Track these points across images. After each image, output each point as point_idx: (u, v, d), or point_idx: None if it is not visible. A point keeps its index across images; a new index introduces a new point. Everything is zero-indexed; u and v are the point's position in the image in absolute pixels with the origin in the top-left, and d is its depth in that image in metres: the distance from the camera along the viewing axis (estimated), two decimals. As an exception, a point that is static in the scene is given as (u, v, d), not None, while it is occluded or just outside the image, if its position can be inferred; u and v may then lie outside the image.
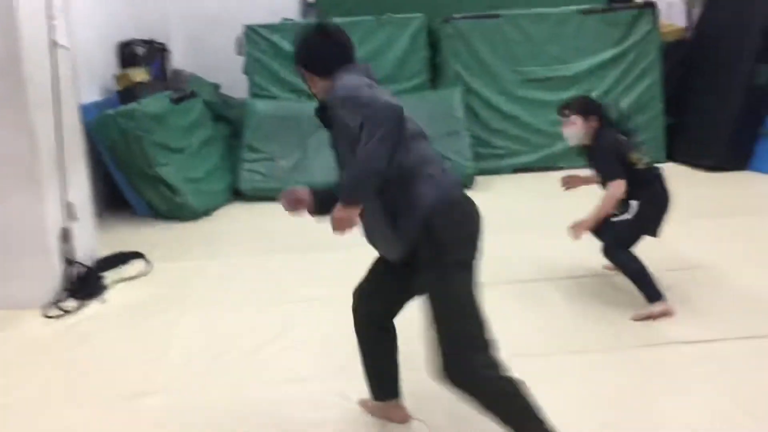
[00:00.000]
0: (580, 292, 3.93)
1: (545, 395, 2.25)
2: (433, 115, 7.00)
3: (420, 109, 7.07)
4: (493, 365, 2.15)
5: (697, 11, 8.03)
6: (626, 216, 3.63)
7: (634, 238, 3.64)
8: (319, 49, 2.44)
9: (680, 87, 7.50)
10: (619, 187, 3.52)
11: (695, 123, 7.18)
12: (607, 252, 3.63)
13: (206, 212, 6.27)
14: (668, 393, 2.80)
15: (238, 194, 6.82)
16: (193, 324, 3.81)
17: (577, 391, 2.83)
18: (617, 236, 3.65)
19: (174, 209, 6.10)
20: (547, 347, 3.26)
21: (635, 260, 3.57)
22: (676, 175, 6.86)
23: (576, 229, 3.63)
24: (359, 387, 2.79)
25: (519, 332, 3.37)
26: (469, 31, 7.31)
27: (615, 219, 3.65)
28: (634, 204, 3.62)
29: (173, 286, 4.47)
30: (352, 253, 4.89)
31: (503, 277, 4.11)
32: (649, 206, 3.63)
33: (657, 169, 3.77)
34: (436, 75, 7.56)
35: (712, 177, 6.69)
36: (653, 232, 3.68)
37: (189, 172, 6.31)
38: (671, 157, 7.35)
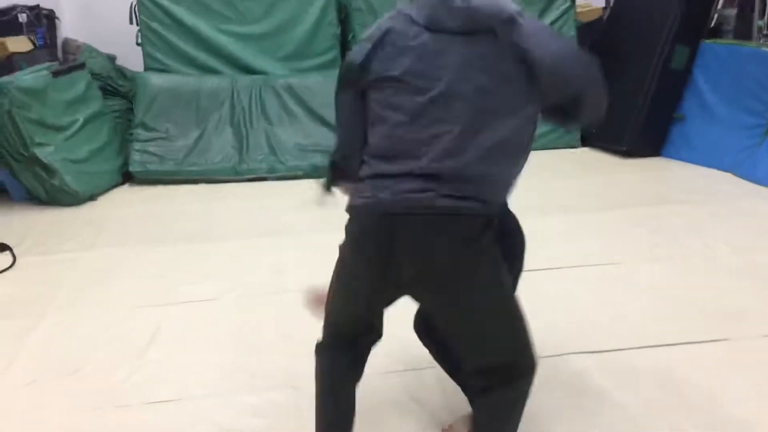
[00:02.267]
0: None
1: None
2: (342, 95, 6.61)
3: (328, 88, 6.61)
4: None
5: (614, -9, 7.87)
6: None
7: None
8: None
9: (596, 69, 7.32)
10: None
11: (610, 107, 6.95)
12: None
13: (91, 197, 5.72)
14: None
15: (128, 177, 6.28)
16: (50, 332, 3.34)
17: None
18: None
19: (53, 193, 5.53)
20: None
21: None
22: (590, 162, 6.81)
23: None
24: (237, 409, 2.44)
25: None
26: (380, 4, 6.91)
27: None
28: None
29: (38, 283, 3.97)
30: (249, 245, 4.57)
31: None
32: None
33: None
34: (346, 52, 7.14)
35: (626, 163, 6.54)
36: None
37: (71, 152, 5.73)
38: (586, 141, 7.18)
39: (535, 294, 2.55)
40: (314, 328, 3.18)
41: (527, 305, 1.97)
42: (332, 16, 6.98)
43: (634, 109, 6.60)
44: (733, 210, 4.94)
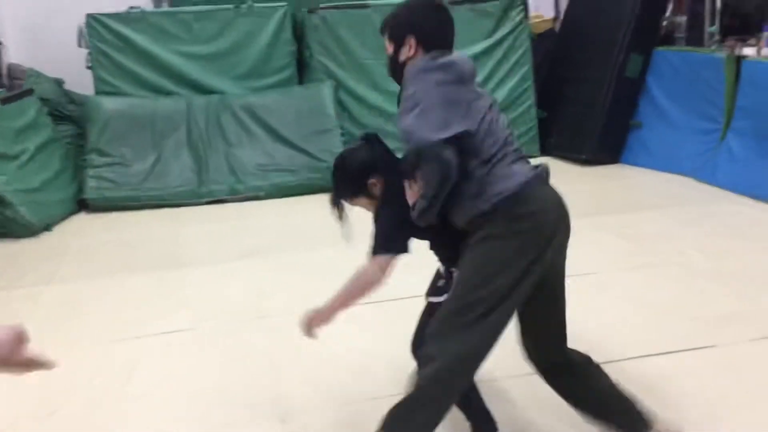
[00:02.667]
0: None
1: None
2: (302, 112, 6.52)
3: (288, 106, 6.59)
4: None
5: (565, 2, 7.98)
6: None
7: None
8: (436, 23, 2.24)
9: (550, 80, 7.40)
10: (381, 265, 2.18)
11: (567, 116, 7.09)
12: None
13: (46, 227, 5.49)
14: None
15: (83, 204, 6.06)
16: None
17: None
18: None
19: (6, 225, 5.29)
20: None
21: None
22: (552, 171, 6.80)
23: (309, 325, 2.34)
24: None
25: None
26: (336, 21, 6.87)
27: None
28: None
29: None
30: (223, 269, 4.43)
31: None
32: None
33: None
34: (303, 69, 7.06)
35: (586, 171, 6.61)
36: None
37: (24, 182, 5.51)
38: (545, 151, 7.24)
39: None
40: (303, 356, 3.10)
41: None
42: (288, 33, 6.90)
43: (592, 118, 6.68)
44: (699, 215, 5.02)
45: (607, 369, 2.27)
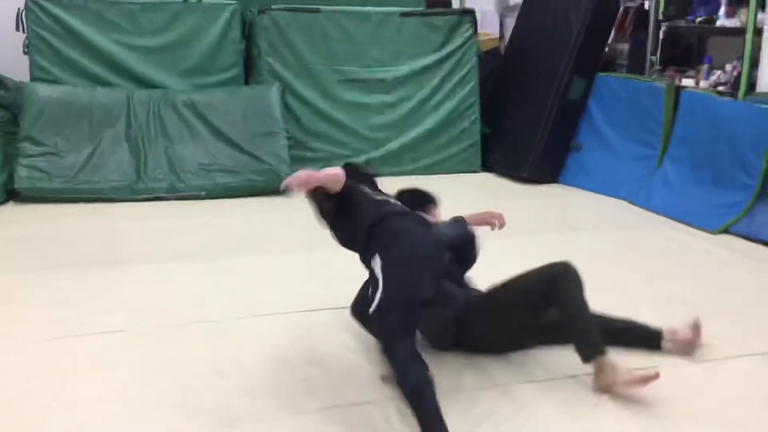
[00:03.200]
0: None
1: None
2: (248, 113, 6.42)
3: (234, 106, 6.47)
4: None
5: (510, 21, 8.11)
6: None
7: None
8: None
9: (494, 97, 7.50)
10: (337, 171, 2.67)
11: (510, 134, 7.20)
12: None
13: (-28, 217, 5.24)
14: None
15: (13, 194, 5.80)
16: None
17: None
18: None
19: (-71, 212, 5.03)
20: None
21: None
22: (493, 187, 6.94)
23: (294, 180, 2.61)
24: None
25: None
26: (287, 24, 6.79)
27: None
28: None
29: None
30: (159, 269, 4.29)
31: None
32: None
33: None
34: (251, 70, 6.95)
35: (526, 189, 6.71)
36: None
37: (-51, 167, 5.25)
38: (487, 167, 7.33)
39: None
40: (250, 362, 3.02)
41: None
42: (237, 32, 6.78)
43: (534, 137, 6.80)
44: (635, 238, 5.14)
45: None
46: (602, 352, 2.75)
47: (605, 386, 2.75)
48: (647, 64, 6.87)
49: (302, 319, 3.55)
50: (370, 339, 3.16)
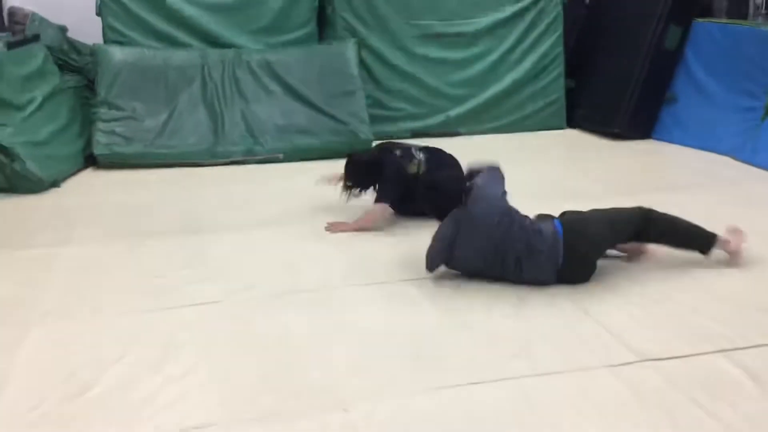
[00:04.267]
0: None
1: None
2: (325, 72, 6.20)
3: (309, 65, 6.24)
4: None
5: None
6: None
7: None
8: None
9: (580, 49, 7.09)
10: (381, 210, 4.08)
11: (598, 87, 6.81)
12: None
13: (54, 183, 5.17)
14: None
15: (92, 160, 5.74)
16: (43, 343, 2.88)
17: None
18: None
19: (14, 180, 4.96)
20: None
21: None
22: (581, 145, 6.58)
23: (333, 227, 4.12)
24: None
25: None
26: (360, -23, 6.51)
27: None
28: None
29: (12, 284, 3.48)
30: (249, 237, 4.14)
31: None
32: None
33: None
34: (324, 26, 6.70)
35: (617, 146, 6.35)
36: None
37: (31, 134, 5.18)
38: (572, 123, 6.97)
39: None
40: (354, 335, 2.85)
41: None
42: (310, -13, 6.53)
43: (626, 91, 6.40)
44: (743, 196, 4.74)
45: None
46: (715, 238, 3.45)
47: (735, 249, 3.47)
48: (750, 7, 6.36)
49: (404, 290, 3.34)
50: (476, 310, 2.96)
